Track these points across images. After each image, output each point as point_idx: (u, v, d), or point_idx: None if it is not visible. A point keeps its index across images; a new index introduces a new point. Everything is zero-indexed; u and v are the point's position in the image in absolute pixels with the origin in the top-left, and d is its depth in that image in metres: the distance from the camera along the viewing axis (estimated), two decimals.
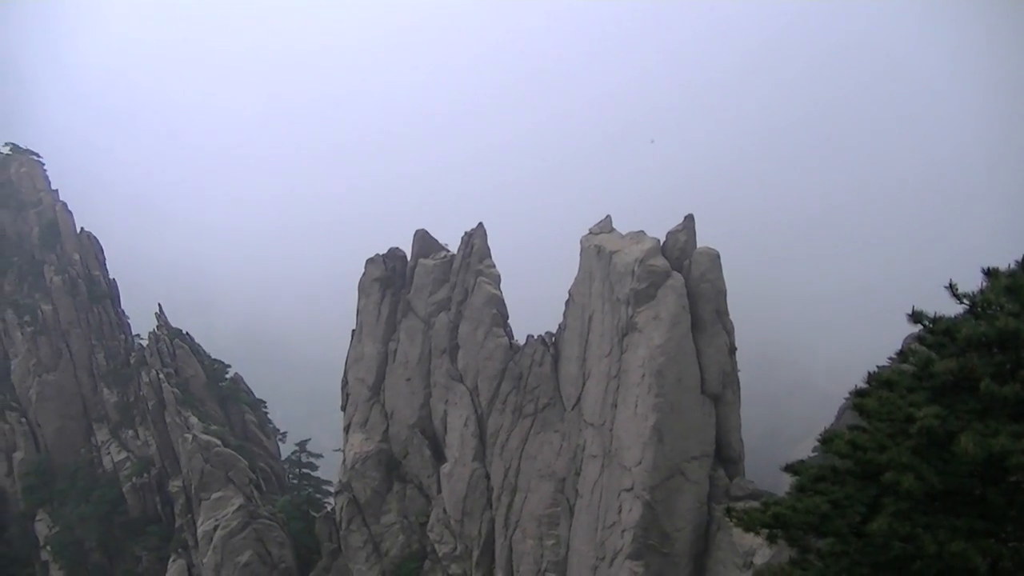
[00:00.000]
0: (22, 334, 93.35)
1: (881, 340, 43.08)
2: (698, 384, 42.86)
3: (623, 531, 43.75)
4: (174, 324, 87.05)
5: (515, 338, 52.96)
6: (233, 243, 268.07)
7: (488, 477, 52.76)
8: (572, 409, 48.73)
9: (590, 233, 48.31)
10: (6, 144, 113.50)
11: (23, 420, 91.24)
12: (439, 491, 55.40)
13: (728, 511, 18.09)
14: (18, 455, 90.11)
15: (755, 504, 30.10)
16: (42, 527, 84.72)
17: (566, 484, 48.93)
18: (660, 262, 43.26)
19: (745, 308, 49.86)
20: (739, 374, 43.60)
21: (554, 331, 51.05)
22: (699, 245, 44.07)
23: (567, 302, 49.80)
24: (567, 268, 49.75)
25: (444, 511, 54.78)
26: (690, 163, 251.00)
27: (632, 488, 43.50)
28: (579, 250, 48.61)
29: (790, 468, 18.00)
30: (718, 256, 42.85)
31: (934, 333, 16.06)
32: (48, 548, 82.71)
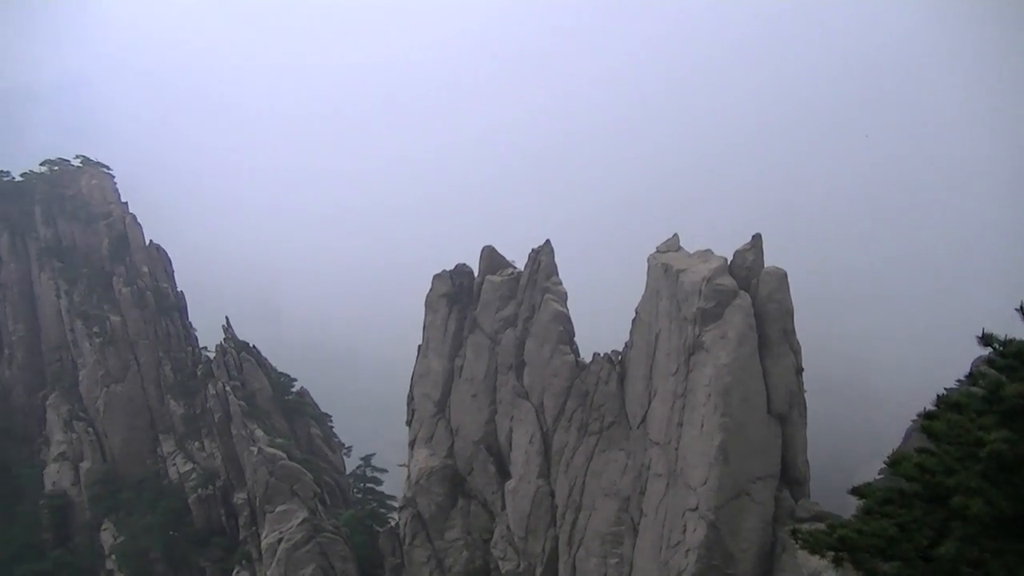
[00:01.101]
0: (91, 345, 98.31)
1: (950, 362, 44.47)
2: (764, 404, 44.59)
3: (687, 551, 45.51)
4: (241, 336, 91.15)
5: (581, 356, 55.28)
6: (302, 256, 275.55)
7: (552, 494, 54.91)
8: (637, 428, 50.70)
9: (657, 251, 50.37)
10: (77, 157, 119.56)
11: (90, 430, 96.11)
12: (503, 508, 57.75)
13: (794, 533, 18.64)
14: (85, 464, 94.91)
15: (821, 526, 31.84)
16: (107, 536, 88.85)
17: (630, 503, 50.85)
18: (727, 281, 45.19)
19: (811, 327, 51.42)
20: (805, 394, 45.30)
21: (620, 349, 53.24)
22: (767, 263, 46.05)
23: (634, 320, 51.82)
24: (634, 286, 52.05)
25: (508, 528, 57.09)
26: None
27: (697, 508, 45.26)
28: (646, 268, 50.83)
29: (857, 491, 17.93)
30: (785, 276, 44.64)
31: (1004, 356, 16.28)
32: (113, 557, 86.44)
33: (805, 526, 38.25)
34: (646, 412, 49.95)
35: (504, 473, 58.41)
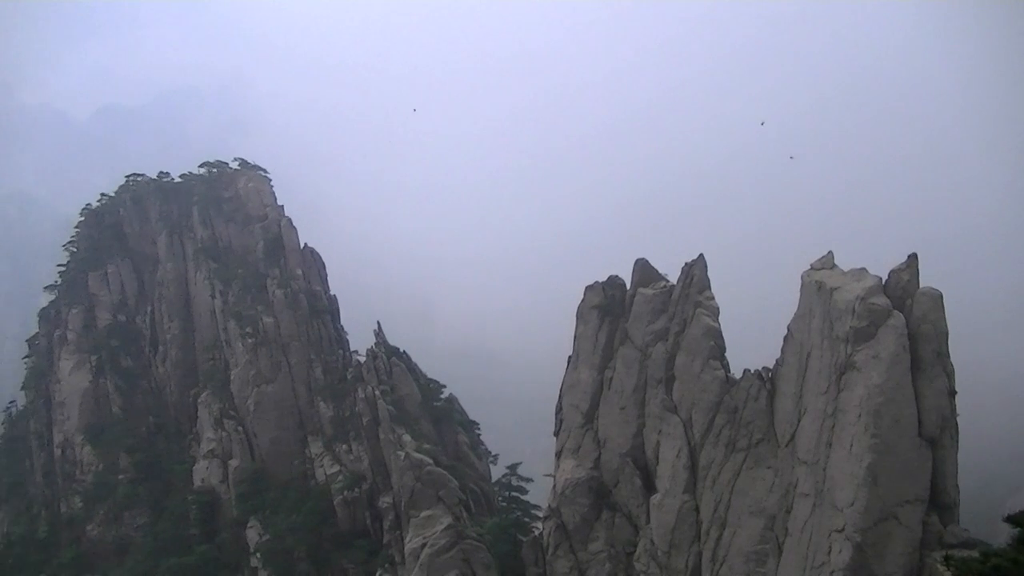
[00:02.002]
0: (243, 345, 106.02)
1: None
2: (915, 426, 46.72)
3: (832, 572, 47.78)
4: (392, 341, 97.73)
5: (731, 371, 58.66)
6: (456, 265, 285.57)
7: (698, 510, 58.09)
8: (786, 446, 53.56)
9: (811, 268, 53.26)
10: (235, 159, 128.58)
11: (240, 429, 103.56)
12: (648, 521, 61.22)
13: (947, 559, 19.74)
14: (233, 463, 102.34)
15: (973, 554, 34.61)
16: (253, 534, 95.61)
17: (776, 521, 53.73)
18: (881, 301, 47.78)
19: (966, 350, 53.53)
20: (957, 418, 47.53)
21: (771, 366, 56.37)
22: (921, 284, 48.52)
23: (786, 337, 54.65)
24: (787, 303, 55.27)
25: (652, 542, 60.60)
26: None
27: (843, 529, 47.61)
28: (800, 285, 53.94)
29: (1013, 519, 18.61)
30: (940, 297, 46.90)
31: None
32: (258, 555, 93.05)
33: (956, 553, 40.95)
34: (795, 430, 52.70)
35: (650, 487, 61.71)
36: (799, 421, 52.52)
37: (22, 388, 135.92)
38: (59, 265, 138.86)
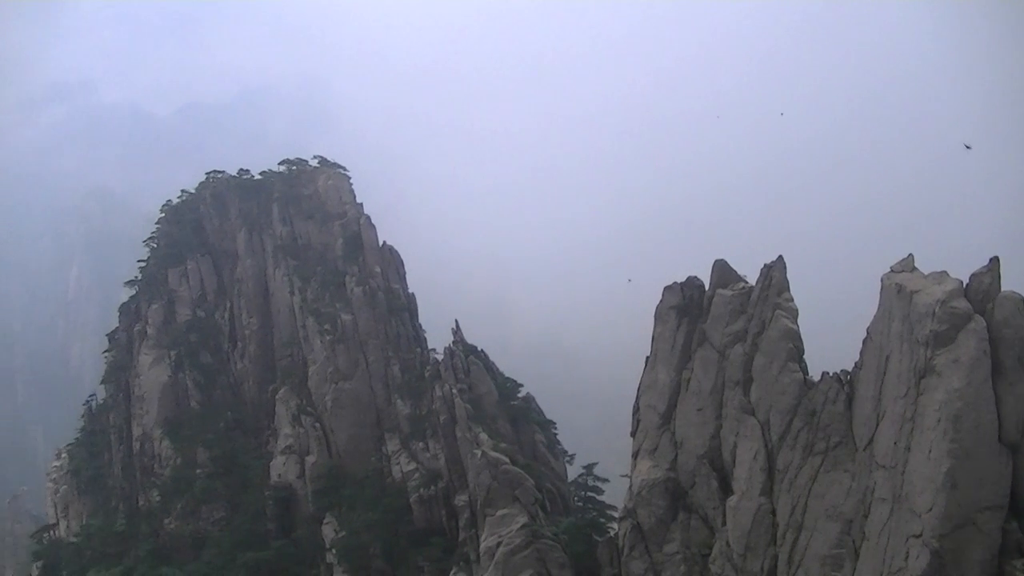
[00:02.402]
0: (321, 342, 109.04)
1: None
2: (996, 432, 47.27)
3: None
4: (470, 339, 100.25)
5: (809, 374, 59.84)
6: (534, 264, 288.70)
7: (774, 513, 59.15)
8: (863, 450, 54.49)
9: (891, 271, 54.19)
10: (315, 157, 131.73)
11: (317, 425, 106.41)
12: (724, 523, 62.49)
13: None
14: (310, 459, 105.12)
15: None
16: (329, 530, 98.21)
17: (853, 526, 54.68)
18: (962, 304, 48.56)
19: None
20: None
21: (849, 369, 57.40)
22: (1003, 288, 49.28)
23: (864, 340, 55.52)
24: (866, 305, 56.35)
25: (727, 544, 61.86)
26: None
27: (921, 535, 48.35)
28: (879, 288, 55.00)
29: None
30: (1023, 301, 47.95)
31: None
32: (333, 551, 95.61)
33: None
34: (873, 434, 53.64)
35: (726, 488, 62.90)
36: (877, 425, 53.40)
37: (102, 382, 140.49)
38: (139, 261, 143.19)
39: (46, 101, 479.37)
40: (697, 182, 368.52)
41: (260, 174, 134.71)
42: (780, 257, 62.56)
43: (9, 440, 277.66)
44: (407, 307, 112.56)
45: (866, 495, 53.81)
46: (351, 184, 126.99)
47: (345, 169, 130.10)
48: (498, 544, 75.87)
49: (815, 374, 59.22)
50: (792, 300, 61.49)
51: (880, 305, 54.44)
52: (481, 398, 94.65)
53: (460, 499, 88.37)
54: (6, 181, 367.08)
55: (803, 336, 60.56)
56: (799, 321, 60.96)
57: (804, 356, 60.37)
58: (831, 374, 57.70)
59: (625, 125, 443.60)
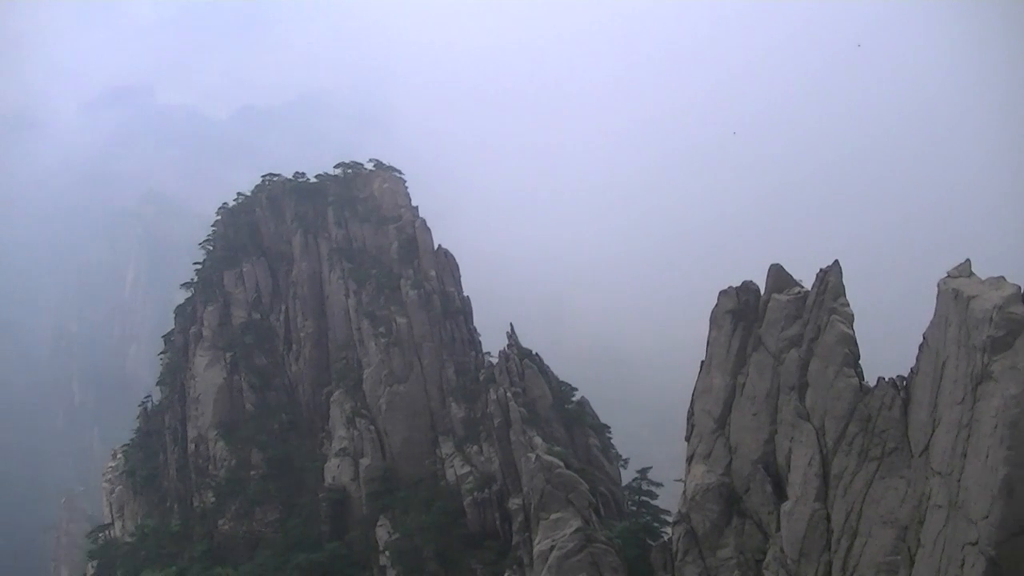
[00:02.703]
0: (376, 345, 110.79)
1: None
2: None
3: None
4: (524, 343, 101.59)
5: (865, 379, 60.36)
6: (589, 269, 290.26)
7: (829, 519, 59.63)
8: (919, 456, 54.86)
9: (948, 276, 54.67)
10: (370, 160, 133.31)
11: (371, 428, 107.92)
12: (778, 529, 63.05)
13: None
14: (364, 461, 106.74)
15: None
16: (382, 532, 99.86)
17: (908, 532, 55.07)
18: (1020, 310, 48.57)
19: None
20: None
21: (905, 374, 57.85)
22: None
23: (921, 346, 55.91)
24: (922, 310, 56.84)
25: (781, 550, 62.43)
26: None
27: (977, 543, 48.56)
28: (936, 293, 55.45)
29: None
30: None
31: None
32: (387, 553, 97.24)
33: None
34: (929, 440, 54.03)
35: (781, 494, 63.41)
36: (933, 431, 53.79)
37: (157, 383, 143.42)
38: (195, 263, 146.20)
39: (105, 104, 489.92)
40: (753, 187, 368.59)
41: (316, 177, 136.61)
42: (836, 262, 63.05)
43: (65, 440, 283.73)
44: (462, 310, 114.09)
45: (921, 501, 54.18)
46: (406, 187, 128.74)
47: (401, 172, 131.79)
48: (551, 548, 76.58)
49: (871, 379, 59.55)
50: (848, 305, 61.95)
51: (936, 310, 54.81)
52: (535, 402, 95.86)
53: (514, 502, 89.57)
54: (65, 184, 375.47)
55: (859, 341, 61.02)
56: (855, 326, 61.50)
57: (860, 361, 60.75)
58: (887, 380, 58.00)
59: (681, 133, 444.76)
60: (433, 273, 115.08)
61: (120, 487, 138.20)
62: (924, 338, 55.98)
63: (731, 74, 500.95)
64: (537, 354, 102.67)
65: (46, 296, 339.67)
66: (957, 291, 52.49)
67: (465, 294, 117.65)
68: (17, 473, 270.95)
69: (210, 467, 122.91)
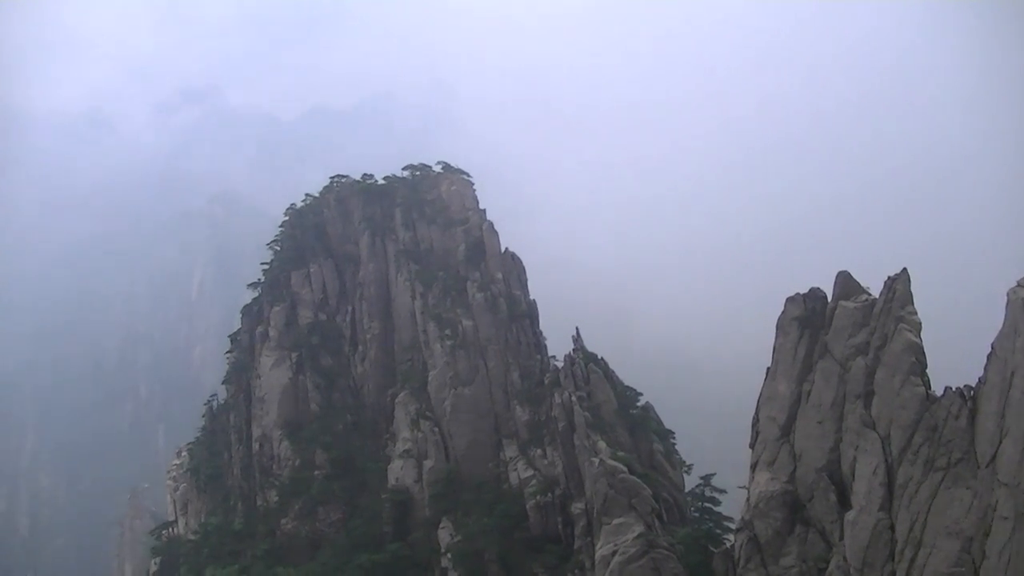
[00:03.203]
0: (442, 347, 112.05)
1: None
2: None
3: None
4: (590, 347, 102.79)
5: (932, 388, 60.80)
6: (656, 274, 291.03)
7: (893, 528, 60.09)
8: (986, 467, 55.24)
9: (1018, 285, 55.13)
10: (438, 163, 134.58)
11: (436, 430, 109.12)
12: (841, 538, 63.61)
13: None
14: (428, 463, 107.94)
15: None
16: (445, 535, 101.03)
17: (973, 544, 55.38)
18: None
19: None
20: None
21: (972, 384, 58.28)
22: None
23: (989, 355, 56.27)
24: (991, 320, 57.27)
25: (844, 559, 62.95)
26: None
27: None
28: (1005, 303, 55.86)
29: None
30: None
31: None
32: (449, 555, 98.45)
33: None
34: (996, 451, 54.42)
35: (844, 503, 63.97)
36: (1000, 442, 54.25)
37: (223, 383, 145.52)
38: (262, 263, 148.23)
39: (176, 105, 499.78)
40: (820, 194, 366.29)
41: (384, 179, 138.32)
42: (904, 269, 63.64)
43: (131, 438, 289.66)
44: (528, 313, 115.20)
45: (987, 513, 54.64)
46: (474, 190, 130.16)
47: (468, 175, 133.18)
48: (613, 553, 77.71)
49: (937, 389, 60.02)
50: (915, 313, 62.47)
51: (1006, 320, 55.28)
52: (600, 406, 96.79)
53: (576, 507, 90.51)
54: (135, 184, 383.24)
55: (926, 350, 61.53)
56: (922, 335, 62.01)
57: (927, 370, 61.24)
58: (954, 389, 58.47)
59: (748, 139, 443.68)
60: (500, 276, 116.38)
61: (184, 485, 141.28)
62: (992, 347, 56.43)
63: (804, 78, 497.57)
64: (602, 358, 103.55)
65: (115, 295, 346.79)
66: None
67: (531, 297, 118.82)
68: (84, 470, 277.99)
69: (274, 466, 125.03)
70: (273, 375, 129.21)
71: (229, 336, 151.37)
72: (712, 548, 78.97)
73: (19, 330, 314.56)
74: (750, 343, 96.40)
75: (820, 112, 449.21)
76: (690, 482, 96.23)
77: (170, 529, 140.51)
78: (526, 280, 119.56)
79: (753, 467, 71.66)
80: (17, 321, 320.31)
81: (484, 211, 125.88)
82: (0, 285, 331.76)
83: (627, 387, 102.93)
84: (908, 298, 63.01)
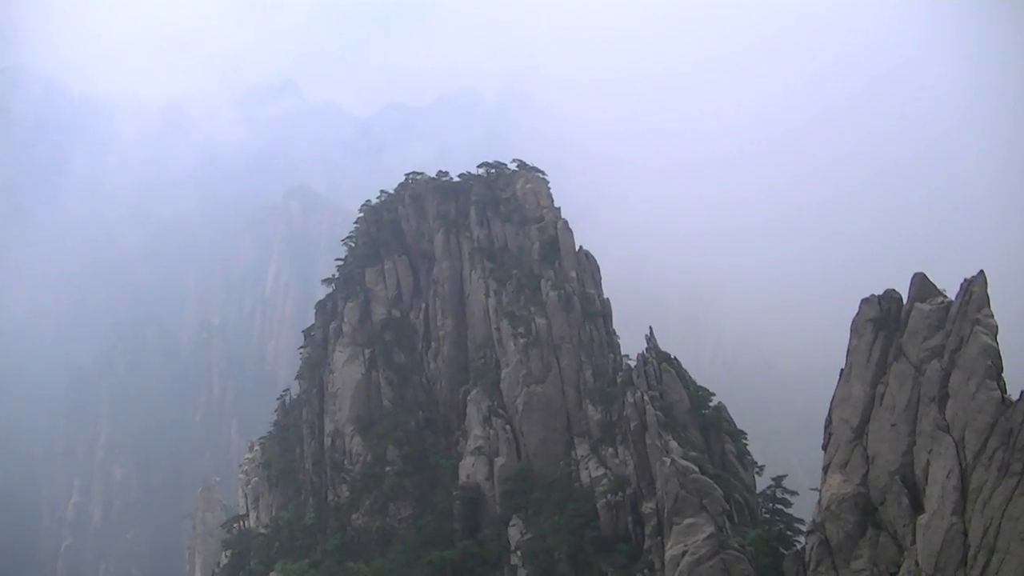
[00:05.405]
0: (515, 345, 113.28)
1: None
2: None
3: None
4: (663, 347, 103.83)
5: (1008, 392, 61.12)
6: (731, 275, 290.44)
7: (966, 534, 60.25)
8: None
9: None
10: (513, 161, 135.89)
11: (507, 427, 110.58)
12: (913, 542, 63.86)
13: None
14: (499, 460, 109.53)
15: None
16: (515, 532, 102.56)
17: None
18: None
19: None
20: None
21: None
22: None
23: None
24: None
25: (916, 563, 63.26)
26: None
27: None
28: None
29: None
30: None
31: None
32: (518, 553, 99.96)
33: None
34: None
35: (917, 506, 64.24)
36: None
37: (296, 378, 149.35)
38: (337, 259, 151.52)
39: (256, 100, 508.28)
40: (898, 195, 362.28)
41: (459, 176, 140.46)
42: (981, 272, 63.84)
43: (204, 431, 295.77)
44: (602, 312, 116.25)
45: None
46: (549, 188, 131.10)
47: (543, 173, 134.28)
48: (684, 553, 78.76)
49: (1013, 392, 60.27)
50: (992, 316, 62.66)
51: None
52: (672, 406, 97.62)
53: (647, 506, 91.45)
54: (214, 178, 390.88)
55: (1002, 353, 61.76)
56: (998, 338, 62.30)
57: (1003, 374, 61.44)
58: None
59: (825, 141, 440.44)
60: (574, 274, 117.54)
61: (256, 479, 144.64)
62: None
63: (879, 75, 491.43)
64: (675, 358, 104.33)
65: (190, 288, 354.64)
66: None
67: (605, 296, 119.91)
68: (158, 462, 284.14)
69: (346, 462, 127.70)
70: (346, 371, 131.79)
71: (303, 331, 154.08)
72: (783, 550, 79.74)
73: (98, 321, 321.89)
74: (827, 344, 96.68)
75: (904, 109, 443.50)
76: (761, 483, 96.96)
77: (241, 523, 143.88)
78: (600, 279, 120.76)
79: (825, 469, 72.18)
80: (96, 312, 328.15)
81: (559, 209, 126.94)
82: (83, 277, 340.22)
83: (700, 387, 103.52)
84: (984, 301, 63.22)
